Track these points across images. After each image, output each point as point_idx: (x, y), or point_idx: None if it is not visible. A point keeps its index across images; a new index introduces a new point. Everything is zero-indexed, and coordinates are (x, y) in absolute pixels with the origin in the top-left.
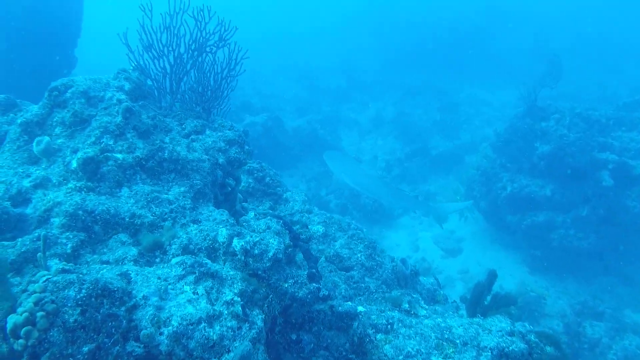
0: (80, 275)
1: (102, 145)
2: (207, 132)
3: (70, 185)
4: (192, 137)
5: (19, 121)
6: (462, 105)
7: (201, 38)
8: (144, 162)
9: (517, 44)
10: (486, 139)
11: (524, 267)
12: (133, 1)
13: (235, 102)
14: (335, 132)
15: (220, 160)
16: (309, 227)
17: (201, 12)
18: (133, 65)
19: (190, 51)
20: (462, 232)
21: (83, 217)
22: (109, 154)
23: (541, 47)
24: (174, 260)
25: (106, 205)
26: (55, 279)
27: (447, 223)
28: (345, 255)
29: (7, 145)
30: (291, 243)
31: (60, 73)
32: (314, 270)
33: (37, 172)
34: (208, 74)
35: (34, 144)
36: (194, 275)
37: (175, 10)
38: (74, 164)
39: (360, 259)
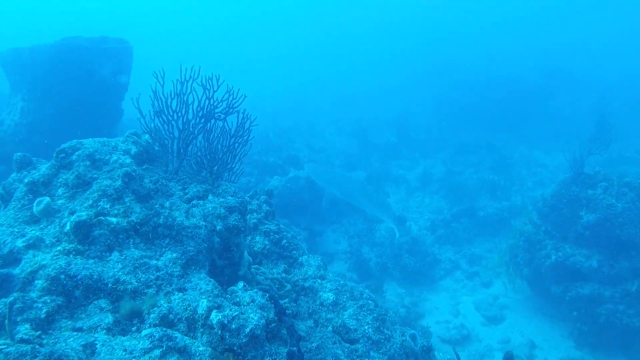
0: (37, 347)
1: (97, 209)
2: (210, 197)
3: (59, 247)
4: (194, 202)
5: (25, 180)
6: (516, 165)
7: (209, 105)
8: (138, 227)
9: (576, 104)
10: (536, 202)
11: (570, 341)
12: (152, 66)
13: (282, 155)
14: (383, 188)
15: (218, 227)
16: (319, 294)
17: (210, 81)
18: (143, 128)
19: (198, 117)
20: (505, 299)
21: (64, 282)
22: (102, 218)
23: (601, 108)
24: (144, 332)
25: (90, 270)
26: (8, 349)
27: (491, 289)
28: (352, 327)
29: (13, 202)
30: (275, 318)
31: (108, 125)
32: (294, 348)
33: (33, 232)
34: (215, 140)
35: (34, 204)
36: (161, 350)
37: (186, 78)
38: (68, 227)
39: (367, 331)
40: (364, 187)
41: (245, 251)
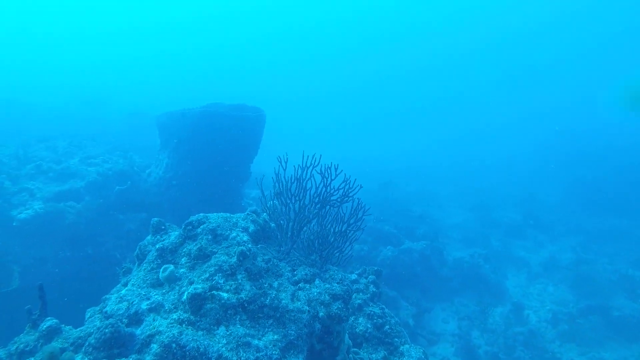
0: None
1: (212, 283)
2: (317, 281)
3: (175, 315)
4: (300, 285)
5: (157, 246)
6: None
7: (325, 192)
8: (246, 305)
9: None
10: None
11: None
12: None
13: (398, 224)
14: (501, 269)
15: (321, 314)
16: None
17: (328, 169)
18: (262, 207)
19: (314, 203)
20: None
21: (175, 350)
22: (215, 292)
23: None
24: None
25: (198, 343)
26: None
27: None
28: None
29: (144, 264)
30: None
31: (237, 184)
32: None
33: (156, 296)
34: (328, 226)
35: (161, 270)
36: None
37: (306, 164)
38: (185, 296)
39: None
40: (480, 266)
41: (346, 334)
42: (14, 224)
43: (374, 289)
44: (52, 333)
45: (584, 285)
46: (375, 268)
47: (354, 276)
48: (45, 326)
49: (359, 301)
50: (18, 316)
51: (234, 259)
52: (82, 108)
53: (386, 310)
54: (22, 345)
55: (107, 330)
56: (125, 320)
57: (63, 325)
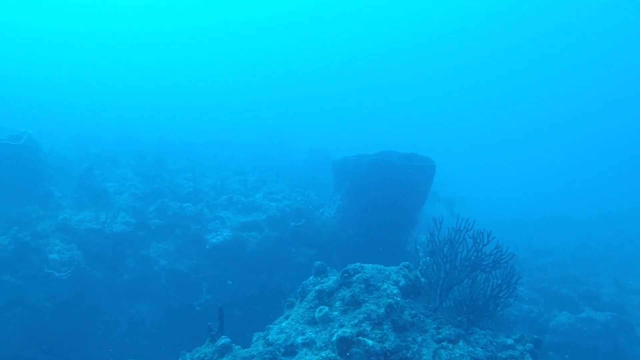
0: None
1: (360, 329)
2: (460, 343)
3: (324, 354)
4: (444, 344)
5: (316, 288)
6: None
7: (476, 257)
8: (388, 354)
9: None
10: None
11: None
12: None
13: (578, 288)
14: None
15: None
16: None
17: (480, 235)
18: (415, 264)
19: (464, 265)
20: None
21: None
22: (361, 338)
23: None
24: None
25: None
26: None
27: None
28: None
29: (304, 302)
30: None
31: (403, 229)
32: None
33: (310, 333)
34: (477, 290)
35: (317, 310)
36: None
37: (460, 227)
38: (334, 338)
39: None
40: None
41: None
42: (207, 247)
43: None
44: (225, 350)
45: None
46: (535, 336)
47: (510, 341)
48: (220, 343)
49: None
50: (201, 327)
51: (382, 310)
52: (271, 145)
53: None
54: (202, 355)
55: (266, 356)
56: (282, 350)
57: (234, 344)
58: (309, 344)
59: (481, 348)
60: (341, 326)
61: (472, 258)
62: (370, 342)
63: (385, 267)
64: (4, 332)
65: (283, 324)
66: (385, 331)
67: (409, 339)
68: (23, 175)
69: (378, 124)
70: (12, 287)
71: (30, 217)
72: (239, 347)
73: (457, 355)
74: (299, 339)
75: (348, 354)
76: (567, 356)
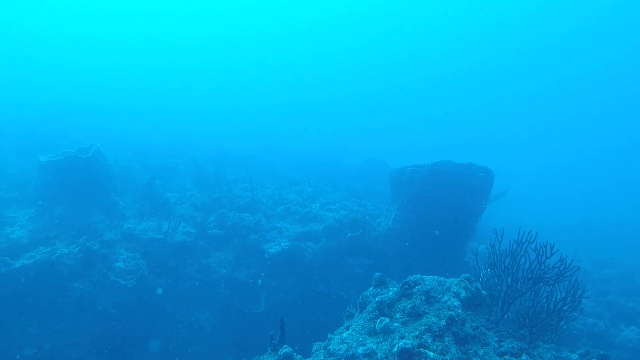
0: None
1: (421, 341)
2: (524, 357)
3: None
4: (506, 357)
5: (376, 299)
6: None
7: (539, 270)
8: None
9: None
10: None
11: None
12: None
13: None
14: None
15: None
16: None
17: (543, 247)
18: (476, 276)
19: (527, 278)
20: None
21: None
22: (422, 350)
23: None
24: None
25: None
26: None
27: None
28: None
29: (364, 313)
30: None
31: (459, 242)
32: None
33: (371, 344)
34: (541, 303)
35: (377, 322)
36: None
37: (522, 240)
38: (395, 349)
39: None
40: None
41: None
42: (265, 256)
43: None
44: (287, 359)
45: None
46: (602, 352)
47: (574, 356)
48: (282, 352)
49: None
50: (260, 335)
51: (443, 322)
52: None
53: None
54: None
55: None
56: None
57: (295, 354)
58: (369, 355)
59: None
60: (402, 337)
61: (535, 271)
62: (431, 354)
63: (446, 279)
64: (73, 337)
65: (344, 334)
66: (446, 343)
67: (471, 351)
68: (91, 186)
69: (421, 127)
70: (81, 293)
71: (97, 226)
72: (300, 356)
73: None
74: (360, 350)
75: None
76: None
